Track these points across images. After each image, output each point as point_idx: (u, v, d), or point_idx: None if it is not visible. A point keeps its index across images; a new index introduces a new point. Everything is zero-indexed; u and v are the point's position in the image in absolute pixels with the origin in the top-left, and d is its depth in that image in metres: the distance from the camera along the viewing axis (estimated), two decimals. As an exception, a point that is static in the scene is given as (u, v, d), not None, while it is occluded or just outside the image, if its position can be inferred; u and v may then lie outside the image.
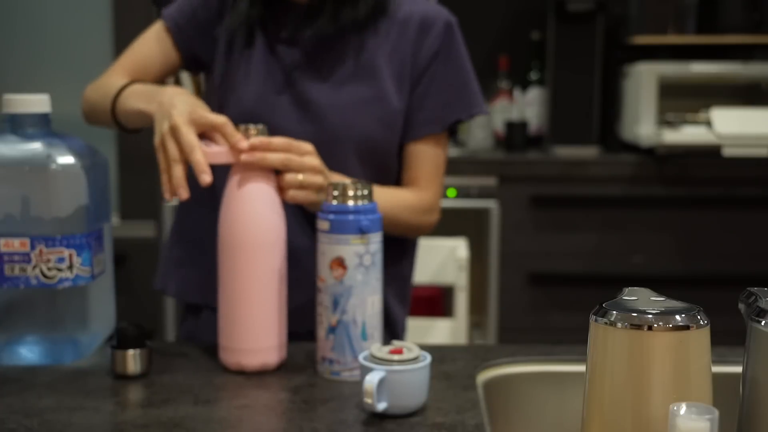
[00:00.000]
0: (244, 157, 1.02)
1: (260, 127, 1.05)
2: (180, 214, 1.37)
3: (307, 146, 1.09)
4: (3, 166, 1.02)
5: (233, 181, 1.03)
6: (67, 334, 1.05)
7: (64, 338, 1.05)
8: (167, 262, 1.35)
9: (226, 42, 1.28)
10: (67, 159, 1.03)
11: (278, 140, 1.05)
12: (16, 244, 1.01)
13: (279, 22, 1.27)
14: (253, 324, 1.02)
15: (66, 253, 1.02)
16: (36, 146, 1.03)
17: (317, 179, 1.08)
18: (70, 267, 1.03)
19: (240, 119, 1.18)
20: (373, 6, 1.25)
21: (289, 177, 1.06)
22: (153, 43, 1.32)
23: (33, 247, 1.01)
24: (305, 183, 1.07)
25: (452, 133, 1.34)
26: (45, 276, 1.02)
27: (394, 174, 1.31)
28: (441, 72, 1.28)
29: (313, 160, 1.08)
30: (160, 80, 1.33)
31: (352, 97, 1.24)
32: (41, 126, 1.06)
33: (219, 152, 1.03)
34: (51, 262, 1.02)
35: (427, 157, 1.30)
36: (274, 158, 1.04)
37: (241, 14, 1.25)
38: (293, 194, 1.07)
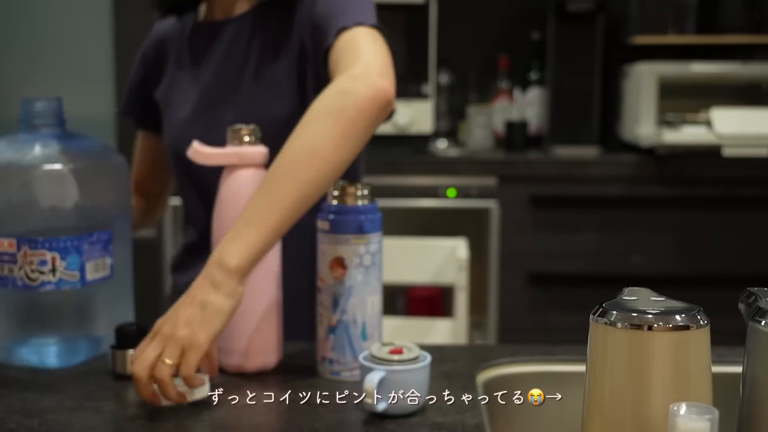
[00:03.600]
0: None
1: (252, 127, 1.05)
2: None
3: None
4: None
5: (226, 182, 1.03)
6: (61, 338, 1.05)
7: (59, 341, 1.05)
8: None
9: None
10: (52, 161, 1.02)
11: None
12: (5, 244, 1.01)
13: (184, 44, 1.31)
14: (253, 325, 1.02)
15: (48, 255, 1.01)
16: (32, 148, 1.03)
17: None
18: (53, 270, 1.01)
19: (171, 147, 1.26)
20: None
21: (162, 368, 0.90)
22: (139, 144, 1.40)
23: (19, 248, 1.01)
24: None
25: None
26: (29, 278, 1.01)
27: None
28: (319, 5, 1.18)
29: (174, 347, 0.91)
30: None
31: (266, 93, 1.23)
32: (53, 127, 1.06)
33: (213, 153, 1.03)
34: (34, 264, 1.01)
35: (350, 49, 1.10)
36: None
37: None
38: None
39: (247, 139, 1.03)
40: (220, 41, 1.28)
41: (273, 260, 1.03)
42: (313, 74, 1.21)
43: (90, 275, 1.05)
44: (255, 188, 1.01)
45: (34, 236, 1.00)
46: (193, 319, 0.90)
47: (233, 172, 1.02)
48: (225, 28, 1.28)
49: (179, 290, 1.31)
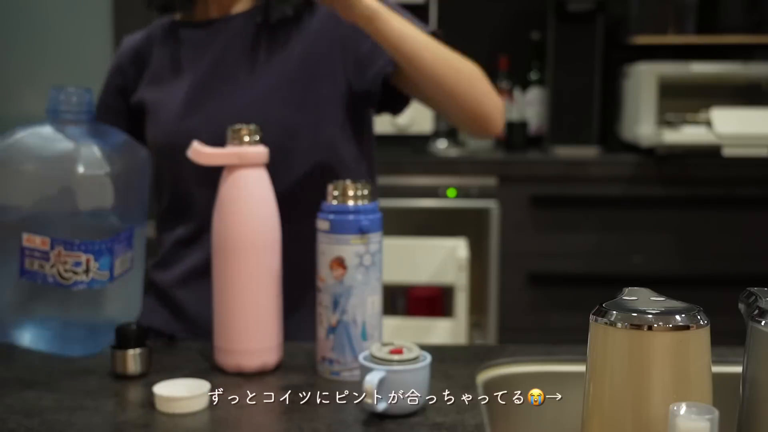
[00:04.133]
0: None
1: (252, 127, 1.05)
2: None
3: None
4: (34, 160, 1.02)
5: (227, 182, 1.03)
6: (82, 328, 1.05)
7: (79, 332, 1.05)
8: None
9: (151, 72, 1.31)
10: (94, 164, 1.02)
11: None
12: (38, 241, 1.01)
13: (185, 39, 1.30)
14: (253, 325, 1.02)
15: (83, 258, 1.01)
16: (68, 145, 1.03)
17: None
18: (87, 271, 1.02)
19: (163, 141, 1.24)
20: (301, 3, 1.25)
21: None
22: None
23: (53, 247, 1.01)
24: None
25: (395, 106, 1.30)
26: (61, 276, 1.01)
27: (347, 165, 1.26)
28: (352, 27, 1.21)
29: None
30: None
31: (263, 90, 1.23)
32: (82, 121, 1.06)
33: (213, 153, 1.03)
34: (68, 264, 1.01)
35: None
36: None
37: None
38: None
39: (247, 139, 1.03)
40: (218, 37, 1.28)
41: (273, 259, 1.03)
42: (331, 84, 1.23)
43: (117, 271, 1.06)
44: (255, 188, 1.01)
45: (69, 237, 1.01)
46: None
47: (233, 172, 1.02)
48: (225, 24, 1.28)
49: (162, 292, 1.31)
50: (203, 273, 1.18)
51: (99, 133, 1.07)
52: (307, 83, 1.23)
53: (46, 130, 1.04)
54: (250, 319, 1.02)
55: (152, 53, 1.33)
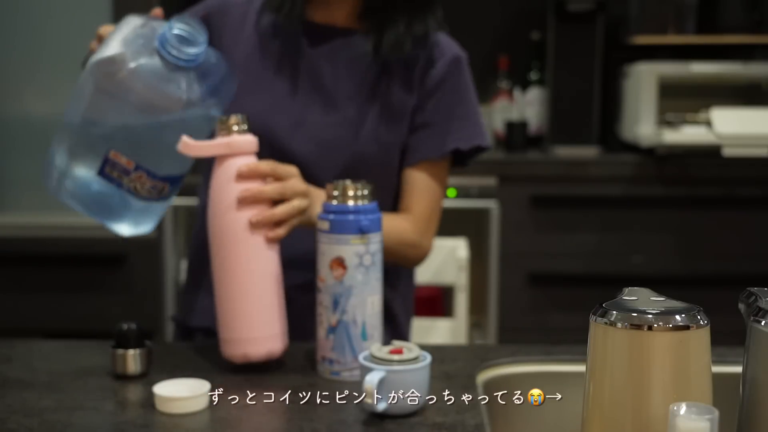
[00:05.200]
0: (241, 193, 1.01)
1: (240, 116, 1.04)
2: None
3: (292, 169, 1.08)
4: (143, 89, 1.02)
5: (218, 171, 1.03)
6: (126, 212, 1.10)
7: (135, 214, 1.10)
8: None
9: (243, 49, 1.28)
10: (201, 119, 1.06)
11: (264, 165, 1.04)
12: (123, 160, 1.06)
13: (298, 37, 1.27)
14: (255, 311, 1.01)
15: (161, 185, 1.08)
16: (175, 88, 1.04)
17: (304, 203, 1.07)
18: (161, 192, 1.09)
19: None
20: (419, 39, 1.25)
21: (286, 208, 1.04)
22: None
23: (136, 170, 1.06)
24: (299, 209, 1.06)
25: (462, 164, 1.32)
26: (137, 191, 1.07)
27: (390, 192, 1.30)
28: (443, 102, 1.28)
29: (300, 183, 1.07)
30: None
31: (348, 116, 1.24)
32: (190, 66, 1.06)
33: (203, 145, 1.03)
34: (146, 186, 1.07)
35: (422, 187, 1.29)
36: (271, 190, 1.03)
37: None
38: (295, 222, 1.06)
39: (236, 128, 1.03)
40: (321, 46, 1.26)
41: (270, 245, 1.03)
42: (407, 121, 1.27)
43: (173, 194, 1.13)
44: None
45: (153, 171, 1.07)
46: None
47: (224, 162, 1.02)
48: (331, 36, 1.26)
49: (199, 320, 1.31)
50: None
51: (203, 74, 1.07)
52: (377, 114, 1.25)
53: (156, 64, 1.03)
54: (252, 306, 1.01)
55: (245, 23, 1.29)
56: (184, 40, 1.03)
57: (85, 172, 1.07)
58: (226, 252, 1.02)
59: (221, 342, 1.04)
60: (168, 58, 1.02)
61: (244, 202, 1.02)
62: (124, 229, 1.12)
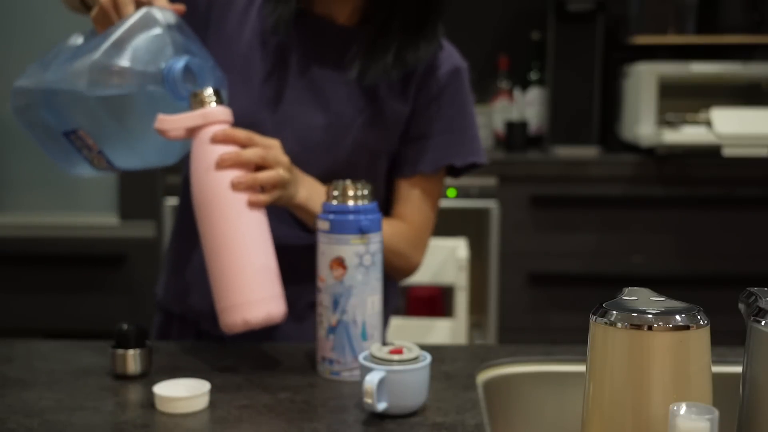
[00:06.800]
0: (221, 155, 1.01)
1: (213, 89, 1.04)
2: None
3: (273, 141, 1.06)
4: (141, 110, 1.04)
5: (195, 142, 1.02)
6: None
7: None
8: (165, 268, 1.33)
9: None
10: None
11: (240, 132, 1.03)
12: (90, 141, 1.08)
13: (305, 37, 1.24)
14: (250, 274, 1.00)
15: (118, 171, 1.14)
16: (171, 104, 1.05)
17: (287, 175, 1.06)
18: (115, 171, 1.14)
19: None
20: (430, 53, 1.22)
21: (269, 173, 1.03)
22: None
23: (99, 153, 1.09)
24: (282, 178, 1.04)
25: (454, 175, 1.29)
26: (93, 164, 1.11)
27: (381, 178, 1.27)
28: (441, 113, 1.25)
29: (282, 155, 1.06)
30: None
31: (337, 120, 1.21)
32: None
33: (179, 118, 1.02)
34: (102, 165, 1.11)
35: (415, 200, 1.26)
36: (251, 154, 1.02)
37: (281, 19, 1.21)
38: (277, 194, 1.05)
39: (209, 100, 1.03)
40: (318, 44, 1.22)
41: (259, 210, 1.03)
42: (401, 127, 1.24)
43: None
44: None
45: (116, 159, 1.10)
46: None
47: (201, 132, 1.02)
48: (328, 29, 1.22)
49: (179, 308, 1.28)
50: None
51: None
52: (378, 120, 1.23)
53: (159, 92, 1.04)
54: (244, 268, 1.00)
55: (249, 9, 1.24)
56: (190, 76, 1.04)
57: (51, 121, 1.08)
58: (213, 218, 1.00)
59: (219, 314, 1.01)
60: (172, 92, 1.04)
61: (224, 164, 1.00)
62: (81, 171, 1.15)
